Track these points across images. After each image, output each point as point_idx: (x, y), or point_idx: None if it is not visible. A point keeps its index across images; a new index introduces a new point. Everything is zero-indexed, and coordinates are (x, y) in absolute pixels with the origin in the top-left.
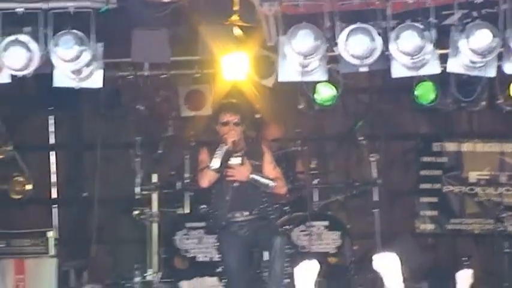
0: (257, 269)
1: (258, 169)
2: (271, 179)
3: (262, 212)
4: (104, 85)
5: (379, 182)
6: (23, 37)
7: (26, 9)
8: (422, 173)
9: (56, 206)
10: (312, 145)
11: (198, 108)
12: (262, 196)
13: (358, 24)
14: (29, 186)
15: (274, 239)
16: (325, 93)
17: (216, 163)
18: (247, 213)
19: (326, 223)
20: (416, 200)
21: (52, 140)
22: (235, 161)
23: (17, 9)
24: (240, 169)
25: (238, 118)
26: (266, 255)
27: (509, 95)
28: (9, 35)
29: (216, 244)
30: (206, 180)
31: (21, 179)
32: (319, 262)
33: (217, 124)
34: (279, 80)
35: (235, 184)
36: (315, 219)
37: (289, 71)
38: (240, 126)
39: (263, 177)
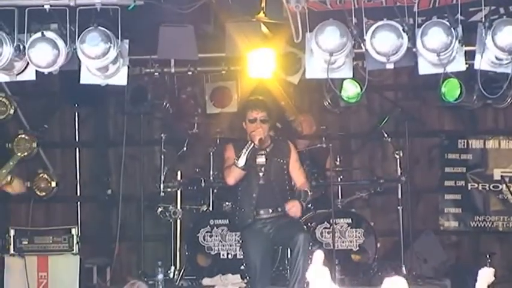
0: (280, 266)
1: (282, 167)
2: (306, 191)
3: (283, 209)
4: (128, 82)
5: (403, 179)
6: (49, 34)
7: (52, 6)
8: (447, 170)
9: (80, 203)
10: (336, 142)
11: (224, 105)
12: (287, 194)
13: (384, 21)
14: (53, 184)
15: (298, 237)
16: (351, 90)
17: (241, 161)
18: (271, 210)
19: (349, 220)
20: (441, 197)
21: (77, 137)
22: (260, 159)
23: (44, 6)
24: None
25: (265, 115)
26: (289, 253)
27: None
28: (36, 32)
29: (239, 241)
30: (232, 177)
31: (45, 176)
32: (342, 259)
33: (244, 121)
34: (307, 77)
35: (261, 182)
36: (338, 216)
37: (316, 68)
38: (267, 123)
39: (303, 192)
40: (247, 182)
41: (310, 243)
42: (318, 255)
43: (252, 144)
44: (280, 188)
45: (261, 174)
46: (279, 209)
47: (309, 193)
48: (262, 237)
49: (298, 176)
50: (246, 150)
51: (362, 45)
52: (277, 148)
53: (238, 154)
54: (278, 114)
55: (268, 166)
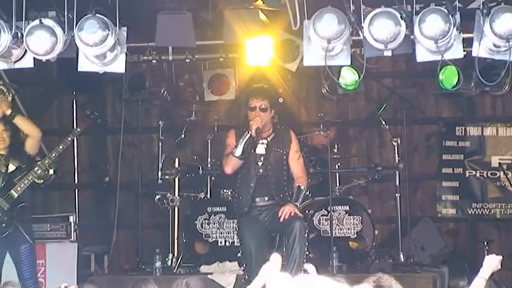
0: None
1: (281, 157)
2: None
3: (282, 198)
4: (126, 70)
5: (401, 167)
6: (47, 21)
7: None
8: (445, 157)
9: (78, 190)
10: (334, 130)
11: (222, 92)
12: (283, 185)
13: (382, 8)
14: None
15: (294, 224)
16: (349, 77)
17: (238, 150)
18: (267, 198)
19: (347, 208)
20: (438, 184)
21: (75, 125)
22: (260, 149)
23: None
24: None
25: (265, 103)
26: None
27: None
28: (34, 19)
29: (237, 229)
30: (230, 166)
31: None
32: (340, 246)
33: (246, 109)
34: (305, 64)
35: (260, 171)
36: (336, 203)
37: (314, 55)
38: (266, 111)
39: (302, 197)
40: (246, 170)
41: (307, 231)
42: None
43: (249, 134)
44: (277, 178)
45: (259, 163)
46: (276, 198)
47: (303, 190)
48: (258, 224)
49: (296, 166)
50: (243, 139)
51: (360, 32)
52: (278, 138)
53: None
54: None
55: (268, 156)
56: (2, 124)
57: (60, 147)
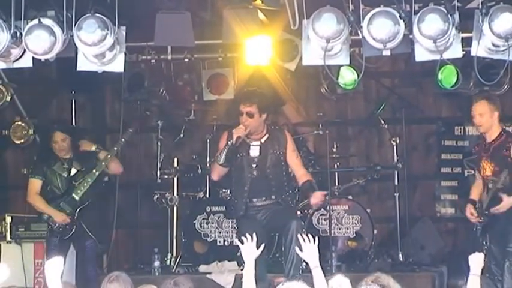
0: (277, 253)
1: (279, 158)
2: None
3: (279, 198)
4: (125, 69)
5: (400, 166)
6: (46, 21)
7: None
8: (444, 156)
9: None
10: (333, 129)
11: (221, 92)
12: (284, 185)
13: (381, 8)
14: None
15: (290, 224)
16: (348, 77)
17: (221, 158)
18: (264, 198)
19: (346, 207)
20: (437, 183)
21: (74, 124)
22: (253, 151)
23: None
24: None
25: (252, 109)
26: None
27: None
28: (33, 19)
29: (235, 228)
30: (215, 173)
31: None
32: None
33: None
34: (304, 64)
35: (254, 174)
36: (335, 203)
37: (313, 55)
38: (253, 117)
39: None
40: (239, 174)
41: (303, 230)
42: None
43: (230, 143)
44: (277, 179)
45: (254, 165)
46: (273, 197)
47: (314, 183)
48: (256, 223)
49: (296, 165)
50: (226, 147)
51: (359, 31)
52: (273, 139)
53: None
54: (274, 101)
55: (264, 158)
56: (61, 133)
57: (115, 148)
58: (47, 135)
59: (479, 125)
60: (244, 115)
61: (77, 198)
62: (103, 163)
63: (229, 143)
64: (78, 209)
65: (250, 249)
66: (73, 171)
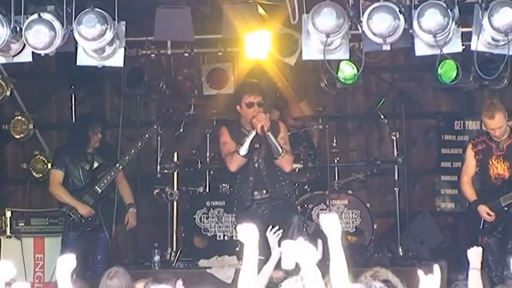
0: None
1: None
2: (283, 148)
3: (279, 191)
4: (125, 64)
5: (399, 161)
6: (46, 15)
7: None
8: (443, 151)
9: None
10: (333, 123)
11: (221, 86)
12: (280, 176)
13: (381, 2)
14: (49, 165)
15: (292, 218)
16: (347, 71)
17: (244, 149)
18: (264, 191)
19: (346, 202)
20: (437, 178)
21: (74, 119)
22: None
23: None
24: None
25: (261, 99)
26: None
27: None
28: (33, 13)
29: (235, 223)
30: (235, 165)
31: (42, 157)
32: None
33: (239, 104)
34: (304, 58)
35: (256, 165)
36: (335, 198)
37: (312, 50)
38: (262, 107)
39: (277, 142)
40: (245, 165)
41: (305, 225)
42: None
43: (255, 132)
44: (270, 170)
45: (255, 157)
46: (272, 191)
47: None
48: (257, 218)
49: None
50: (248, 138)
51: (359, 26)
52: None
53: (233, 138)
54: (274, 95)
55: (260, 149)
56: (100, 125)
57: (139, 144)
58: (83, 126)
59: (501, 135)
60: (255, 105)
61: (99, 191)
62: (127, 158)
63: (251, 134)
64: (100, 202)
65: (249, 231)
66: (95, 164)
